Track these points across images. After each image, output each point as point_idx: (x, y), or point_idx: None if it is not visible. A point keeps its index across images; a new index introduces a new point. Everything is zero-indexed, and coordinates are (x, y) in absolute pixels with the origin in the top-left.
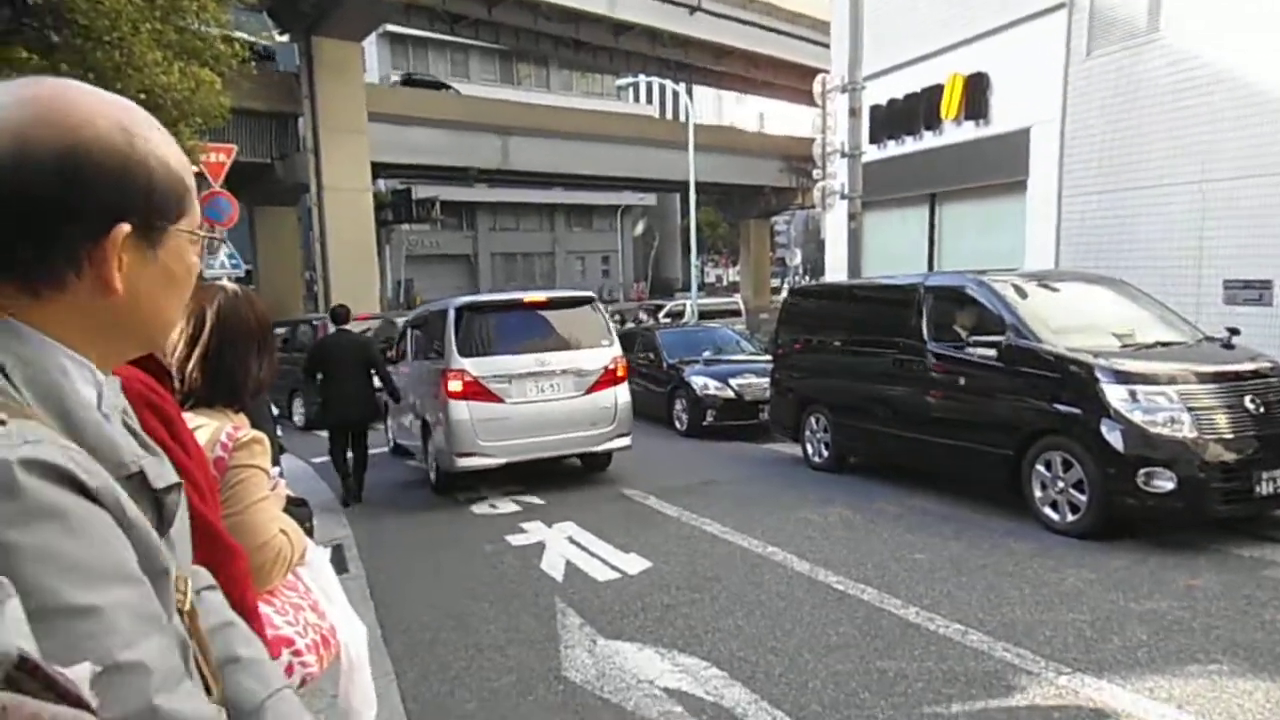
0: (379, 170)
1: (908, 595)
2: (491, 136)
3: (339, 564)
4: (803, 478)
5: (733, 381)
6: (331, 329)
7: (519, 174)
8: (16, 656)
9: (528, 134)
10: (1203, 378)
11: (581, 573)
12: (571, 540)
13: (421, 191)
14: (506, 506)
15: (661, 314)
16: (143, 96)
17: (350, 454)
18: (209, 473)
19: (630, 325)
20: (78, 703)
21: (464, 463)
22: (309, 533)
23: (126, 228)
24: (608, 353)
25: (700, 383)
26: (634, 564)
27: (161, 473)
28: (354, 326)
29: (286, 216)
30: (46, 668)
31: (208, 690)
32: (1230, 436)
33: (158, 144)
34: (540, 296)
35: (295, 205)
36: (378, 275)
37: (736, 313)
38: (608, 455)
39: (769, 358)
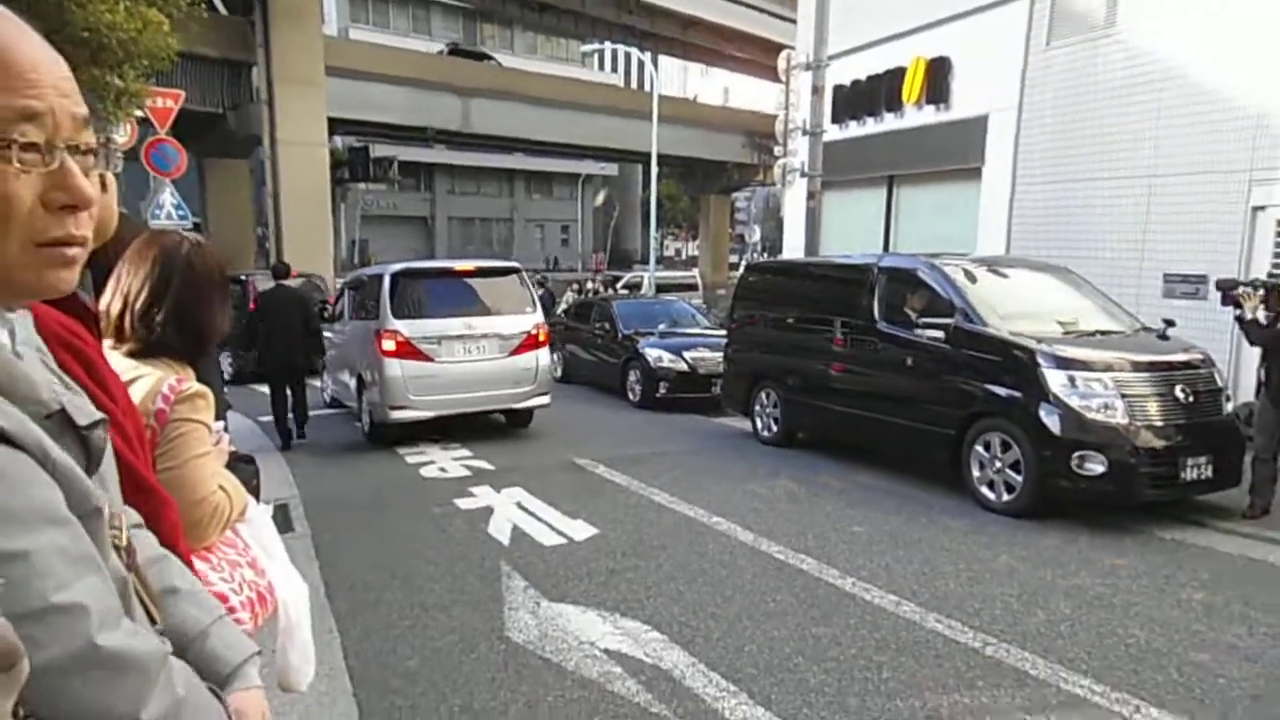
0: (336, 126)
1: (846, 566)
2: (452, 97)
3: (284, 523)
4: (751, 451)
5: (687, 354)
6: (272, 283)
7: (479, 137)
8: None
9: (490, 96)
10: (1137, 366)
11: (528, 537)
12: (520, 505)
13: (379, 150)
14: (456, 471)
15: (619, 285)
16: (86, 35)
17: (290, 399)
18: (137, 420)
19: (570, 295)
20: None
21: (396, 415)
22: (254, 491)
23: None
24: (530, 319)
25: (654, 355)
26: (581, 530)
27: (84, 408)
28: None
29: (239, 169)
30: None
31: (151, 621)
32: (1160, 424)
33: None
34: (469, 265)
35: (248, 158)
36: (332, 234)
37: (694, 287)
38: (529, 412)
39: (724, 332)
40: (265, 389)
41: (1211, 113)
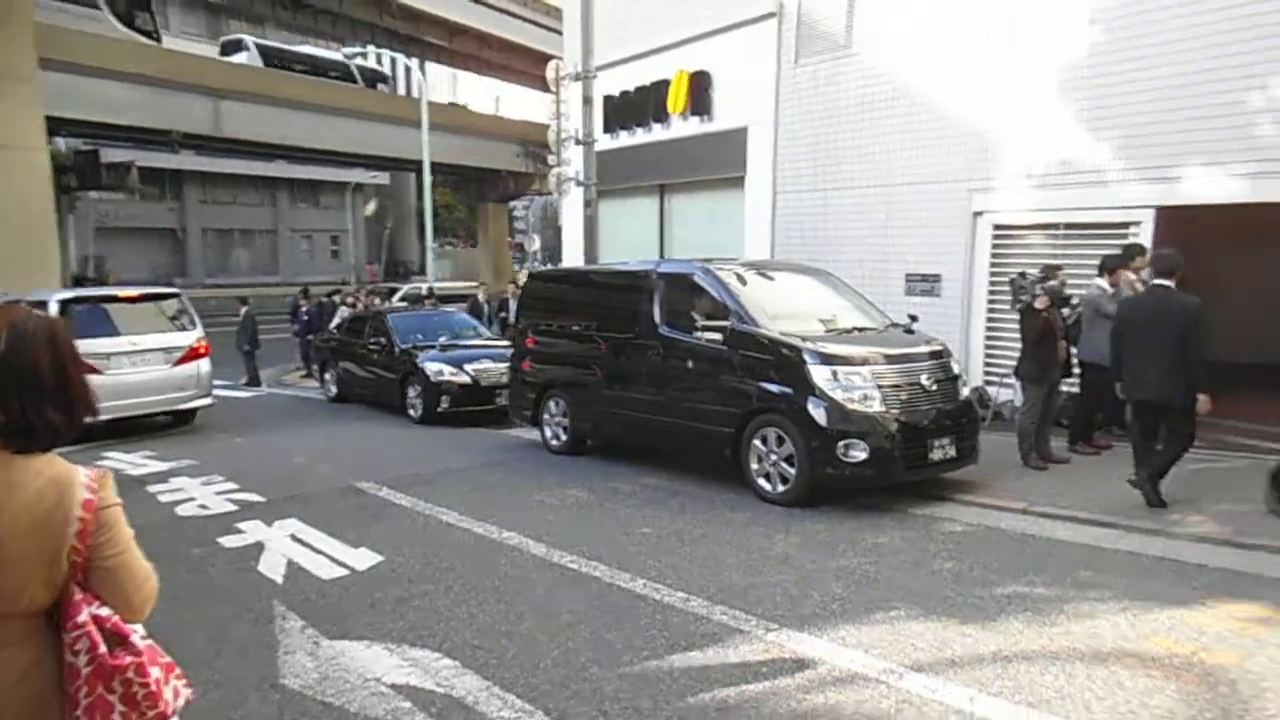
0: (58, 126)
1: (637, 569)
2: (200, 98)
3: None
4: (541, 462)
5: (468, 367)
6: None
7: (234, 142)
8: None
9: (243, 99)
10: (890, 359)
11: (305, 572)
12: (295, 538)
13: (114, 155)
14: (219, 506)
15: (396, 297)
16: None
17: None
18: None
19: (344, 310)
20: None
21: None
22: None
23: None
24: (191, 335)
25: (434, 369)
26: (364, 559)
27: None
28: None
29: None
30: None
31: None
32: (911, 410)
33: None
34: (133, 292)
35: None
36: (57, 249)
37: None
38: (193, 412)
39: (507, 343)
40: None
41: (936, 128)
